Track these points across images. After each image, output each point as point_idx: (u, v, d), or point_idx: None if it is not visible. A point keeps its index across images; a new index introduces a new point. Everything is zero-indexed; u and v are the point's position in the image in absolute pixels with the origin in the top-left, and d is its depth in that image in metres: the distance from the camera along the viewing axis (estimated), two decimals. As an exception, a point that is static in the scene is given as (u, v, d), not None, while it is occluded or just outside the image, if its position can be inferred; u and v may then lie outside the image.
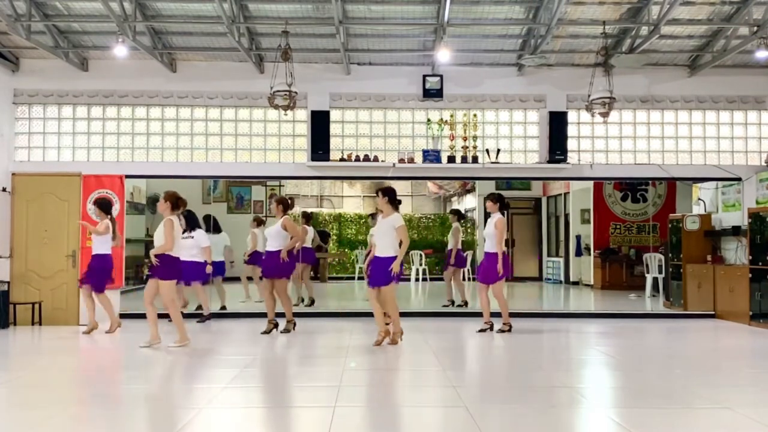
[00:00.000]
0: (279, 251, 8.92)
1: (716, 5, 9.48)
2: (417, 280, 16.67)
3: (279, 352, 8.04)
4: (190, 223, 10.03)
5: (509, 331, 9.05)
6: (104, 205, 9.39)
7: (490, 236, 9.14)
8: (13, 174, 10.42)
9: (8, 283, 10.10)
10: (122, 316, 10.24)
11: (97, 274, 9.15)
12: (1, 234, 10.26)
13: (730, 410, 5.15)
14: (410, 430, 4.83)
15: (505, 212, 9.52)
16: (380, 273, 7.96)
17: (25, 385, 6.25)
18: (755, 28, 9.39)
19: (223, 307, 11.08)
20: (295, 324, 9.15)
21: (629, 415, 5.06)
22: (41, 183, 10.37)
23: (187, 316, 10.26)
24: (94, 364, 7.67)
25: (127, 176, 10.68)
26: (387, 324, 8.05)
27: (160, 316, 8.15)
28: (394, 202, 8.07)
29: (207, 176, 11.79)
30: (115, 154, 10.72)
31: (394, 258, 7.85)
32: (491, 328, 9.12)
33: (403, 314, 9.85)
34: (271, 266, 8.96)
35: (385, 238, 7.94)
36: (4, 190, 10.31)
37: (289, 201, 9.59)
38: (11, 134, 10.59)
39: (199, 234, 10.20)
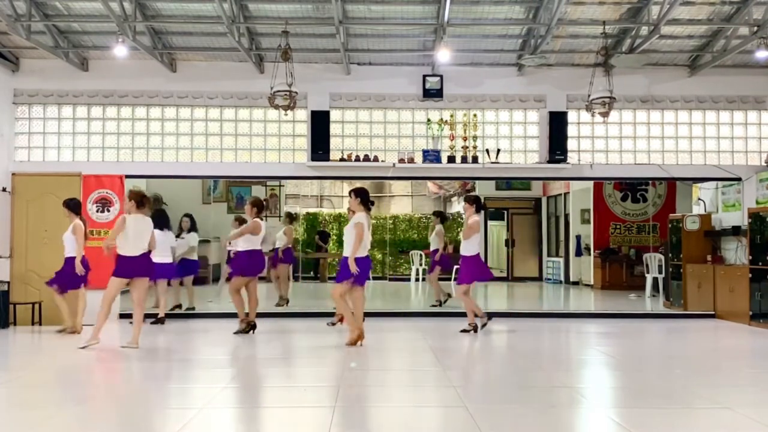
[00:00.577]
0: (245, 251, 8.90)
1: (716, 5, 9.48)
2: (417, 280, 16.68)
3: (278, 353, 8.04)
4: (158, 222, 9.57)
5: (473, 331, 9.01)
6: (74, 206, 9.26)
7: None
8: (13, 174, 10.43)
9: (8, 283, 10.10)
10: (122, 316, 10.25)
11: (67, 276, 9.09)
12: (1, 234, 10.26)
13: (730, 410, 5.15)
14: (410, 430, 4.83)
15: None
16: (341, 270, 8.03)
17: (25, 385, 6.25)
18: (755, 28, 9.39)
19: (191, 308, 10.95)
20: (249, 325, 8.92)
21: (629, 415, 5.06)
22: (41, 183, 10.37)
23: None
24: (94, 364, 7.66)
25: (127, 176, 10.68)
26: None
27: (124, 315, 8.13)
28: (366, 203, 8.09)
29: (207, 176, 11.80)
30: (115, 154, 10.72)
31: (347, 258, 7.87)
32: (475, 330, 9.03)
33: (403, 314, 9.90)
34: (235, 266, 9.04)
35: (347, 237, 8.01)
36: (4, 190, 10.31)
37: (264, 203, 9.59)
38: (11, 134, 10.59)
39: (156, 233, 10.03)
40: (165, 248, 9.92)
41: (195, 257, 11.20)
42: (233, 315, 10.35)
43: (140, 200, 8.02)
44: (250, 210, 9.10)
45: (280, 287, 12.01)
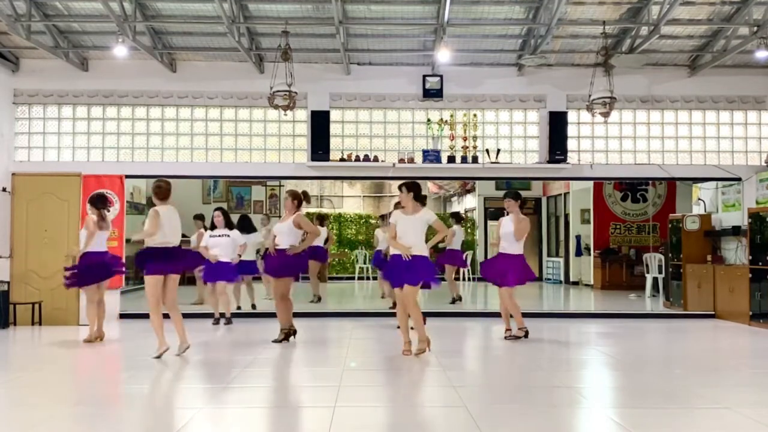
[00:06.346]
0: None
1: (716, 5, 9.48)
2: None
3: (279, 353, 8.02)
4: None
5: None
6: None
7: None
8: (13, 174, 10.43)
9: (8, 283, 10.10)
10: (122, 316, 10.26)
11: None
12: (1, 234, 10.26)
13: (730, 410, 5.14)
14: (410, 430, 4.83)
15: (507, 214, 9.09)
16: (406, 272, 7.27)
17: (25, 385, 6.25)
18: (755, 28, 9.39)
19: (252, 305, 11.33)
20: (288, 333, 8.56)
21: (629, 415, 5.06)
22: (41, 183, 10.37)
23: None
24: (94, 365, 7.66)
25: (127, 176, 10.69)
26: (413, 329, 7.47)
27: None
28: (421, 198, 7.34)
29: (207, 176, 11.82)
30: (115, 154, 10.73)
31: (423, 257, 7.18)
32: (525, 335, 8.45)
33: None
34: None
35: (412, 232, 7.24)
36: (4, 190, 10.31)
37: (303, 194, 8.81)
38: (11, 134, 10.59)
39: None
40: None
41: (253, 257, 11.30)
42: (239, 315, 10.36)
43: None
44: (291, 204, 8.34)
45: (316, 286, 12.58)
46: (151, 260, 7.21)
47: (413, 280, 7.20)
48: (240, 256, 10.11)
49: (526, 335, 8.39)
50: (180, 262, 7.42)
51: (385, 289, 11.41)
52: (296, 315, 9.34)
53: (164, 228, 7.24)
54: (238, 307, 11.08)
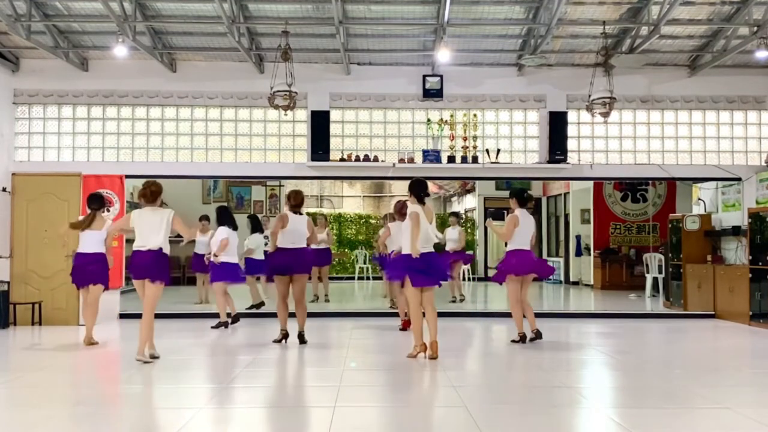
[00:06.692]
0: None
1: (716, 5, 9.48)
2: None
3: (278, 353, 8.02)
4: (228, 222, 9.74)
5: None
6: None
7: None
8: (13, 174, 10.42)
9: (8, 283, 10.09)
10: (122, 316, 10.25)
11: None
12: (1, 234, 10.26)
13: (730, 410, 5.14)
14: (410, 430, 4.83)
15: (507, 214, 8.98)
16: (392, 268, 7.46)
17: (25, 385, 6.25)
18: (755, 28, 9.40)
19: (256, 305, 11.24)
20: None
21: (629, 415, 5.06)
22: (41, 183, 10.37)
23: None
24: (94, 365, 7.65)
25: (127, 176, 10.68)
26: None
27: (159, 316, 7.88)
28: (417, 195, 7.16)
29: (207, 176, 11.81)
30: (115, 154, 10.73)
31: (403, 255, 7.15)
32: (523, 340, 8.20)
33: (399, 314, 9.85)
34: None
35: (404, 233, 7.22)
36: (4, 190, 10.31)
37: (299, 194, 8.51)
38: (11, 134, 10.59)
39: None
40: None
41: (261, 257, 11.02)
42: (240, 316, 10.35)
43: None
44: (285, 202, 8.42)
45: (316, 286, 12.80)
46: (130, 263, 7.26)
47: (394, 276, 7.39)
48: (216, 255, 9.44)
49: (522, 340, 8.16)
50: (144, 267, 7.05)
51: (390, 292, 11.40)
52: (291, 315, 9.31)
53: (140, 232, 7.07)
54: (261, 303, 11.10)
